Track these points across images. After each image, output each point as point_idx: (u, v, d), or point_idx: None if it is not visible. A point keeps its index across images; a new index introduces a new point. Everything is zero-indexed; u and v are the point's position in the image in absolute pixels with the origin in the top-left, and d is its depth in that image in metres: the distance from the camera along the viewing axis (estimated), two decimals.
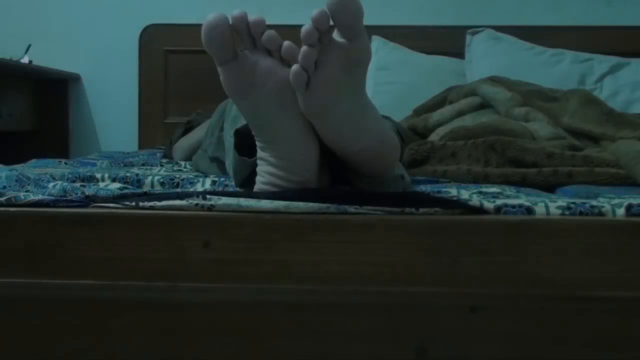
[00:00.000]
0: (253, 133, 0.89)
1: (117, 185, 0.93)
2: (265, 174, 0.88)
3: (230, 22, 0.83)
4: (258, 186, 0.89)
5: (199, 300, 0.83)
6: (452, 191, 0.98)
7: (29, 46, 2.38)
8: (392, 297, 0.82)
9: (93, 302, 0.84)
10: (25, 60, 2.36)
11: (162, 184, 1.02)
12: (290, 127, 0.86)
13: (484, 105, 1.64)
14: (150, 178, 1.03)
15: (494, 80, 1.68)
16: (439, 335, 0.83)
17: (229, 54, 0.84)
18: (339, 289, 0.82)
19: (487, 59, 2.17)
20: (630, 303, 0.82)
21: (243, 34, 0.84)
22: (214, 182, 1.04)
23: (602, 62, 2.12)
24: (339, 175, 0.93)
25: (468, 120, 1.54)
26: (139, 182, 1.02)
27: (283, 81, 0.84)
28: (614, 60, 2.13)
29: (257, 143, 0.89)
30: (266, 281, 0.82)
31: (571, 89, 1.62)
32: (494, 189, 1.00)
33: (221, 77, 0.86)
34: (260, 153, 0.89)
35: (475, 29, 2.26)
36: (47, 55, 2.42)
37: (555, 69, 2.11)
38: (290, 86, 0.84)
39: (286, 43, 0.84)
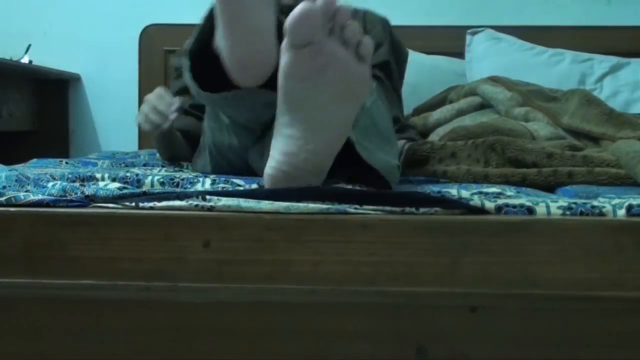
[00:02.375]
0: (282, 108, 0.88)
1: (116, 185, 0.93)
2: (281, 155, 0.88)
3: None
4: (267, 170, 0.89)
5: (199, 300, 0.83)
6: (452, 191, 0.98)
7: (29, 46, 2.38)
8: (392, 297, 0.82)
9: (93, 302, 0.84)
10: (25, 60, 2.36)
11: (162, 183, 1.02)
12: (337, 118, 0.88)
13: (484, 105, 1.64)
14: (150, 178, 1.03)
15: (494, 80, 1.68)
16: (439, 335, 0.83)
17: (310, 37, 0.84)
18: (339, 289, 0.82)
19: (487, 59, 2.17)
20: (630, 303, 0.82)
21: (325, 20, 0.84)
22: (213, 182, 1.04)
23: (602, 62, 2.12)
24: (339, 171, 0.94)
25: (468, 120, 1.54)
26: (138, 182, 1.02)
27: (355, 77, 0.86)
28: (614, 60, 2.13)
29: (282, 117, 0.89)
30: (266, 281, 0.82)
31: (571, 89, 1.62)
32: (494, 189, 1.00)
33: (287, 60, 0.85)
34: (281, 129, 0.89)
35: (475, 29, 2.26)
36: (47, 55, 2.42)
37: (555, 69, 2.11)
38: (358, 83, 0.86)
39: (366, 40, 0.86)
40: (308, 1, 0.83)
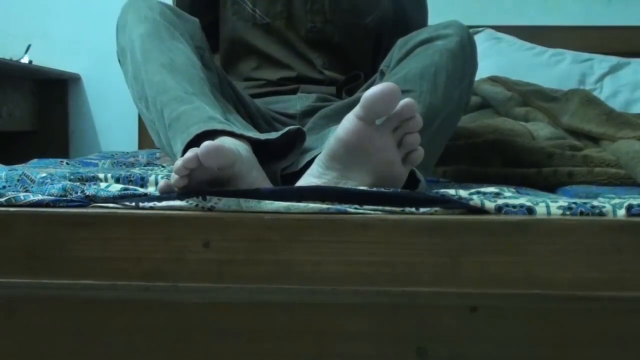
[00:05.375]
0: (321, 157, 0.93)
1: (118, 186, 0.93)
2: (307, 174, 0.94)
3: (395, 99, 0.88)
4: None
5: (199, 300, 0.83)
6: (451, 191, 0.97)
7: (29, 46, 2.38)
8: (392, 297, 0.82)
9: (93, 302, 0.84)
10: (25, 60, 2.36)
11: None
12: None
13: (484, 105, 1.64)
14: (153, 177, 1.03)
15: (494, 80, 1.68)
16: (439, 335, 0.83)
17: (378, 116, 0.88)
18: (339, 289, 0.82)
19: (487, 59, 2.17)
20: (630, 303, 0.82)
21: (398, 117, 0.88)
22: None
23: (602, 62, 2.12)
24: None
25: (467, 120, 1.54)
26: (142, 180, 1.02)
27: (392, 176, 0.90)
28: (614, 60, 2.13)
29: (319, 159, 0.94)
30: (266, 281, 0.82)
31: (571, 89, 1.62)
32: (492, 189, 1.00)
33: (347, 125, 0.89)
34: (319, 163, 0.94)
35: (475, 29, 2.26)
36: (47, 55, 2.42)
37: (555, 69, 2.11)
38: (392, 182, 0.90)
39: (420, 150, 0.91)
40: (392, 83, 0.87)
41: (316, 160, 0.94)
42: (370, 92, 0.86)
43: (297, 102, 1.35)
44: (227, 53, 1.48)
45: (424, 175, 1.01)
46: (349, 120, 0.89)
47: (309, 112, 1.32)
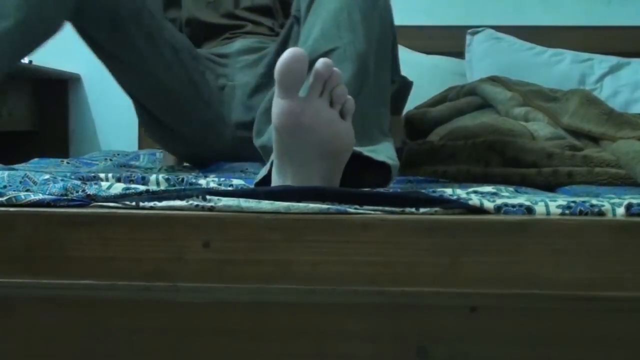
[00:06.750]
0: (275, 156, 0.94)
1: (120, 186, 0.93)
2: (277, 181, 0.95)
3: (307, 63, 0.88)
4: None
5: (199, 300, 0.83)
6: (449, 190, 0.98)
7: None
8: (392, 297, 0.82)
9: (93, 302, 0.84)
10: (25, 60, 2.35)
11: (167, 180, 1.02)
12: (322, 174, 0.92)
13: (484, 104, 1.64)
14: (154, 176, 1.03)
15: (494, 80, 1.68)
16: (439, 335, 0.83)
17: (299, 83, 0.88)
18: (339, 289, 0.82)
19: (487, 59, 2.17)
20: (630, 303, 0.82)
21: (318, 80, 0.89)
22: (217, 182, 1.04)
23: (602, 62, 2.12)
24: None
25: (467, 120, 1.54)
26: (143, 179, 1.02)
27: (339, 134, 0.91)
28: (614, 60, 2.13)
29: (275, 162, 0.94)
30: (266, 281, 0.82)
31: (571, 89, 1.62)
32: (489, 189, 1.00)
33: (278, 111, 0.89)
34: (274, 174, 0.95)
35: (475, 29, 2.27)
36: (47, 55, 2.41)
37: (555, 69, 2.11)
38: (342, 140, 0.91)
39: (350, 99, 0.91)
40: (292, 49, 0.86)
41: (272, 172, 0.96)
42: (277, 67, 0.87)
43: (235, 44, 1.44)
44: (190, 36, 1.56)
45: (389, 120, 1.07)
46: (276, 105, 0.90)
47: (244, 51, 1.40)
